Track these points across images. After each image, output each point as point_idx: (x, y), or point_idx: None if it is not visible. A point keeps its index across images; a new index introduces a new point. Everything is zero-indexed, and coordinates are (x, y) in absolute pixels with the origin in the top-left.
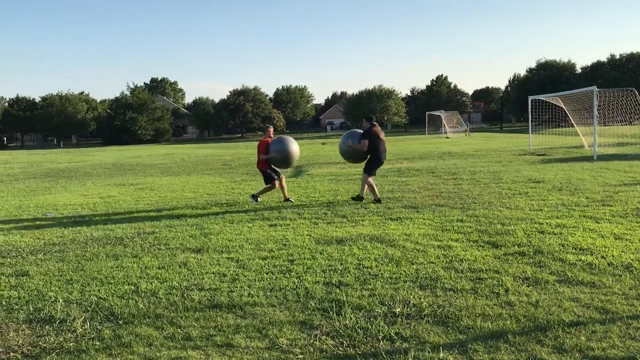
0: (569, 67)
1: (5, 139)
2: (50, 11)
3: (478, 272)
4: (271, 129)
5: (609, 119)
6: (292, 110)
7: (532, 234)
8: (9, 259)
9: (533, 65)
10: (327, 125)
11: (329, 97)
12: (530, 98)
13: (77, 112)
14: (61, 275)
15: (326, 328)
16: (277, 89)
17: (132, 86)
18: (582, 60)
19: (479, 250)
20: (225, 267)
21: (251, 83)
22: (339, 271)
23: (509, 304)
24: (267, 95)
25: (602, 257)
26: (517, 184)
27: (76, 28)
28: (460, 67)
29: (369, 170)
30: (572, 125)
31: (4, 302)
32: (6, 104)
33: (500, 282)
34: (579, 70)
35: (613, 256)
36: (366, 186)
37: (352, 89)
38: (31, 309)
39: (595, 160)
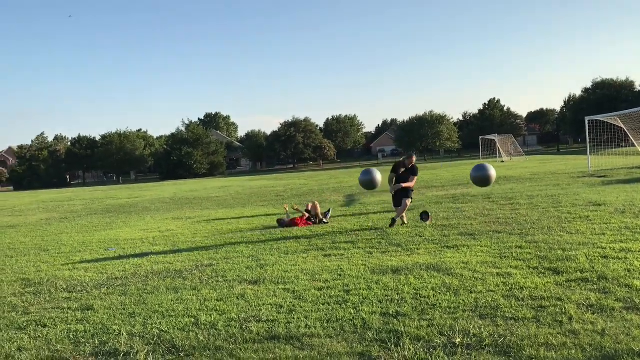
0: (627, 85)
1: (68, 176)
2: (107, 53)
3: (539, 300)
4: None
5: None
6: (342, 139)
7: (595, 259)
8: (74, 294)
9: (589, 85)
10: (379, 152)
11: (380, 125)
12: (587, 119)
13: (136, 149)
14: (124, 309)
15: (385, 359)
16: (327, 118)
17: (187, 122)
18: None
19: (539, 277)
20: (282, 298)
21: (301, 114)
22: (396, 301)
23: (573, 333)
24: (317, 126)
25: None
26: (577, 208)
27: (133, 68)
28: (513, 89)
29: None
30: (633, 145)
31: (71, 336)
32: (69, 143)
33: (563, 310)
34: (639, 88)
35: None
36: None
37: (402, 116)
38: (97, 342)
39: None
